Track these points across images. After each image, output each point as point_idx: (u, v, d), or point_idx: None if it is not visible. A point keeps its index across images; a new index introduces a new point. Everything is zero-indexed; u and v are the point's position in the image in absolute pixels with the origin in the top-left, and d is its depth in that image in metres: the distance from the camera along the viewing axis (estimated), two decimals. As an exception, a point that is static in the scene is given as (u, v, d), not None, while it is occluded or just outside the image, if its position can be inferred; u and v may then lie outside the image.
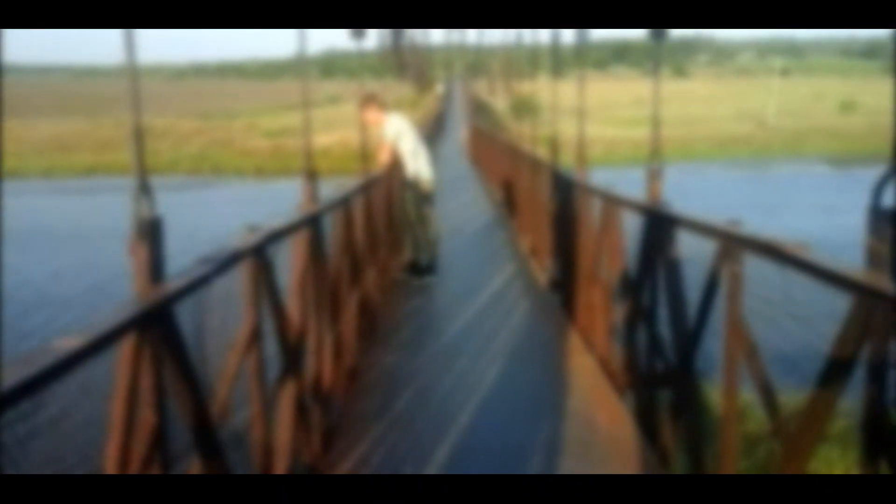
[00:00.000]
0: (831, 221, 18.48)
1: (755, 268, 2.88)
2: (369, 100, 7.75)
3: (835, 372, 2.30)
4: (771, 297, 2.93)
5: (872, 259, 2.22)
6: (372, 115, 7.70)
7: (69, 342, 1.72)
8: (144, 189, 2.22)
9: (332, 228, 4.98)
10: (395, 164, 8.05)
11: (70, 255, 18.33)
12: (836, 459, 5.00)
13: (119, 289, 2.22)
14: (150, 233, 2.21)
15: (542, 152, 9.25)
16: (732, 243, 3.06)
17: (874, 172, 2.22)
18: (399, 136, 7.81)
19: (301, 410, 3.70)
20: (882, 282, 2.10)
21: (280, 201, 4.60)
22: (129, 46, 2.20)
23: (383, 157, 7.88)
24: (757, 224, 3.16)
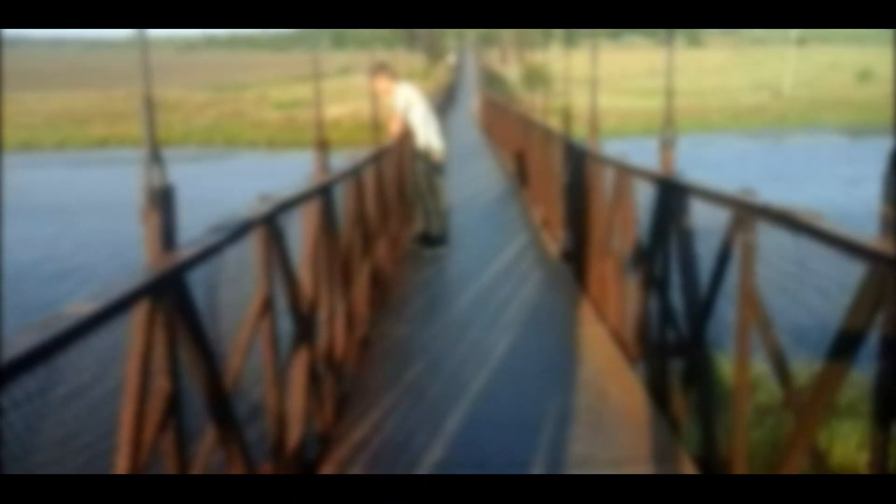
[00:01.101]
0: (849, 192, 18.27)
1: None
2: (380, 68, 7.71)
3: (847, 341, 2.29)
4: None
5: (887, 227, 2.20)
6: (382, 83, 7.66)
7: (82, 308, 1.72)
8: (156, 158, 2.22)
9: (343, 199, 4.97)
10: (406, 135, 8.02)
11: (99, 226, 18.27)
12: (849, 432, 4.97)
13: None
14: (163, 201, 2.22)
15: (554, 123, 9.18)
16: (745, 212, 3.04)
17: (891, 142, 2.19)
18: (410, 106, 7.77)
19: (314, 379, 3.73)
20: (896, 250, 2.09)
21: (291, 174, 4.56)
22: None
23: (394, 128, 7.85)
24: (773, 196, 3.11)
